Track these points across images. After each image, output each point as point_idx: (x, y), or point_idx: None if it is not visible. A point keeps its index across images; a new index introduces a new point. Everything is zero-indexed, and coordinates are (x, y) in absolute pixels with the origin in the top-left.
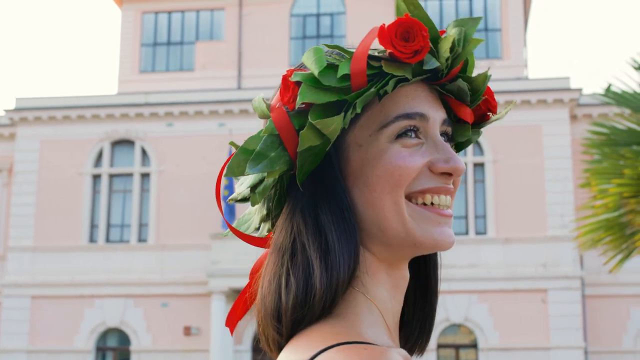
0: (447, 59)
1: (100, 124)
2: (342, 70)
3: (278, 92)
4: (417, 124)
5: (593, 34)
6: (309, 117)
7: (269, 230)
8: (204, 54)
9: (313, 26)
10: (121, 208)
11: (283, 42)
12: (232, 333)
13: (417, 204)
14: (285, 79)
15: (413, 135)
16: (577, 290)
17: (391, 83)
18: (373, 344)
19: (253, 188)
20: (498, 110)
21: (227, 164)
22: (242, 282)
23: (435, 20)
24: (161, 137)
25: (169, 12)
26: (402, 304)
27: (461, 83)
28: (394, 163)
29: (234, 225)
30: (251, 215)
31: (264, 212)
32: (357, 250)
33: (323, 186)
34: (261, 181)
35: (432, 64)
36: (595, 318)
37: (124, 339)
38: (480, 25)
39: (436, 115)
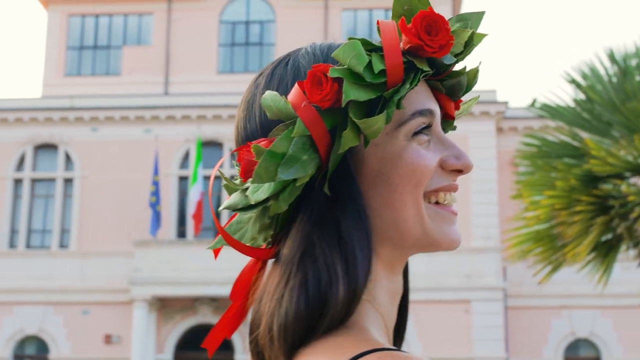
0: (458, 54)
1: (23, 127)
2: (378, 66)
3: (297, 89)
4: (430, 121)
5: (519, 47)
6: (351, 116)
7: (266, 240)
8: (131, 59)
9: (242, 33)
10: (43, 213)
11: (212, 48)
12: (210, 355)
13: (430, 202)
14: (315, 74)
15: (425, 132)
16: (500, 302)
17: (419, 78)
18: (405, 352)
19: (276, 195)
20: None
21: (255, 169)
22: (165, 290)
23: (364, 31)
24: (86, 142)
25: (96, 16)
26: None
27: (463, 79)
28: (415, 162)
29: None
30: (243, 223)
31: (265, 220)
32: (372, 256)
33: (339, 189)
34: (285, 187)
35: (449, 58)
36: (517, 329)
37: (42, 347)
38: None
39: (438, 110)
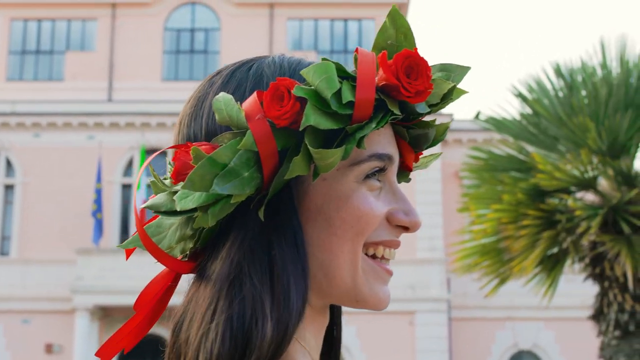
0: (432, 105)
1: None
2: (347, 97)
3: (254, 98)
4: (386, 165)
5: (464, 59)
6: (307, 142)
7: (183, 252)
8: (74, 65)
9: (187, 41)
10: None
11: (156, 55)
12: None
13: (367, 254)
14: (277, 87)
15: (378, 177)
16: (444, 313)
17: (387, 120)
18: None
19: (205, 207)
20: (421, 159)
21: (189, 175)
22: (108, 299)
23: (309, 41)
24: (27, 148)
25: (39, 20)
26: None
27: (431, 132)
28: (362, 208)
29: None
30: (163, 228)
31: (188, 231)
32: (307, 295)
33: (277, 217)
34: (217, 201)
35: (423, 107)
36: (461, 341)
37: None
38: (354, 48)
39: (397, 157)
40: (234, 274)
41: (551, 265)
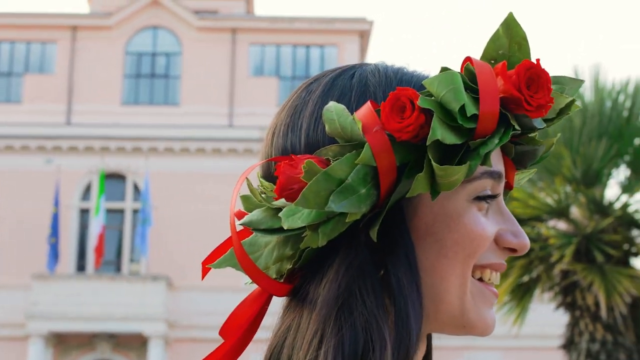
0: (548, 120)
1: None
2: (471, 110)
3: (369, 108)
4: (495, 186)
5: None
6: (431, 158)
7: (279, 273)
8: (33, 87)
9: (148, 65)
10: None
11: (116, 79)
12: None
13: (474, 277)
14: (398, 97)
15: (487, 200)
16: None
17: (509, 134)
18: None
19: (315, 226)
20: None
21: (303, 191)
22: (63, 326)
23: (271, 66)
24: None
25: None
26: None
27: (540, 149)
28: (474, 229)
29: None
30: (257, 247)
31: (287, 251)
32: (422, 319)
33: (388, 238)
34: (329, 219)
35: (539, 122)
36: None
37: None
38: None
39: (504, 175)
40: (344, 297)
41: (521, 294)
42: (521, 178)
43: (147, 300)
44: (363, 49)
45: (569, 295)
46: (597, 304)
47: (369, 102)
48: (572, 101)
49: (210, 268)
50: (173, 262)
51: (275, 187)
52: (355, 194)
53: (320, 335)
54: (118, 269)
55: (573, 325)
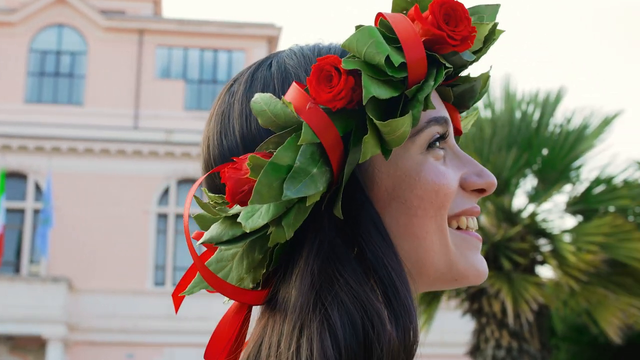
0: (476, 51)
1: None
2: (397, 59)
3: (296, 88)
4: (445, 130)
5: None
6: (372, 117)
7: (255, 282)
8: None
9: (52, 63)
10: None
11: (19, 77)
12: None
13: (451, 228)
14: (322, 68)
15: (438, 144)
16: None
17: (442, 74)
18: None
19: (277, 220)
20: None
21: (255, 187)
22: None
23: (178, 68)
24: None
25: None
26: None
27: (476, 84)
28: (436, 180)
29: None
30: (225, 261)
31: (256, 255)
32: (411, 287)
33: (351, 213)
34: (289, 209)
35: (469, 55)
36: None
37: None
38: (223, 79)
39: (450, 120)
40: (320, 282)
41: (428, 300)
42: (467, 122)
43: (47, 302)
44: (271, 52)
45: (476, 302)
46: (503, 311)
47: (294, 83)
48: (495, 25)
49: (183, 297)
50: (74, 264)
51: (225, 195)
52: (307, 175)
53: (300, 325)
54: (17, 269)
55: (479, 331)
